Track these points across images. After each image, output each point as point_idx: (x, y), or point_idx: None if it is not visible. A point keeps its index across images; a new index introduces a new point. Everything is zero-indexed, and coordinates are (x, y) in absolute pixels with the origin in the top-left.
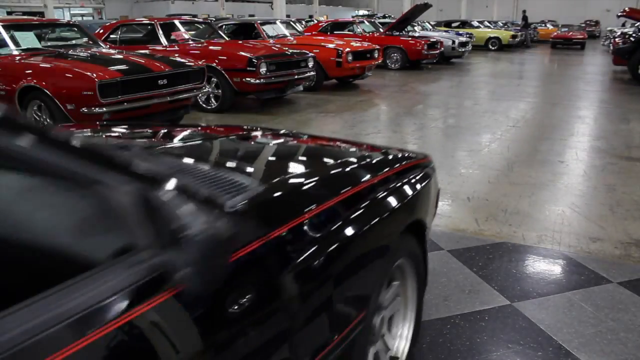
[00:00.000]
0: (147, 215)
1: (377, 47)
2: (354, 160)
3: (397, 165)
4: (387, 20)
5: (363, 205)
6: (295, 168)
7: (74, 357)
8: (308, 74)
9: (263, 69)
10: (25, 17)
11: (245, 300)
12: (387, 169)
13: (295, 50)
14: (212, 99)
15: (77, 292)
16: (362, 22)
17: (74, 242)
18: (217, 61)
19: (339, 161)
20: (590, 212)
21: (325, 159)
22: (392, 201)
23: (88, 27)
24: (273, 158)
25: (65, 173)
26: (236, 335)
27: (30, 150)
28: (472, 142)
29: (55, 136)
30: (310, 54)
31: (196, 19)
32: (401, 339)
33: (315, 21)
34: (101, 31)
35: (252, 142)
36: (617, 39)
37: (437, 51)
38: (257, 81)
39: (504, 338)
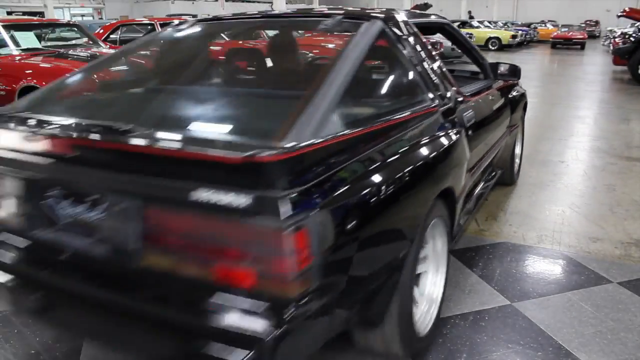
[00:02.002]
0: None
1: None
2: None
3: (514, 79)
4: None
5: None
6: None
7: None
8: None
9: None
10: (25, 17)
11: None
12: (507, 82)
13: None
14: None
15: (476, 82)
16: None
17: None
18: None
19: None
20: (590, 212)
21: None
22: (519, 92)
23: (88, 27)
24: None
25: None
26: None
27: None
28: None
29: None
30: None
31: None
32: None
33: None
34: (101, 31)
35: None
36: (617, 39)
37: (437, 51)
38: None
39: (504, 338)
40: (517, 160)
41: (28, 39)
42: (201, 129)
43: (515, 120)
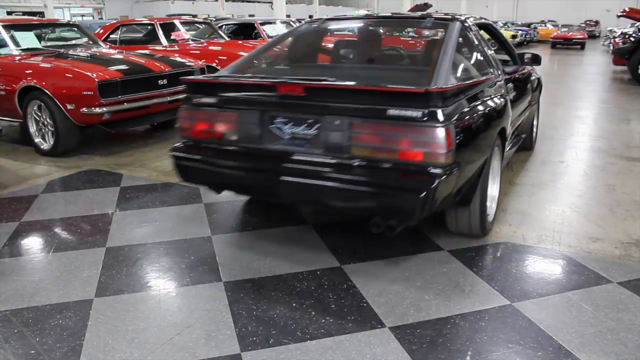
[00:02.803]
0: (525, 58)
1: None
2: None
3: (536, 64)
4: None
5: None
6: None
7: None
8: None
9: None
10: (25, 17)
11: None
12: (526, 68)
13: None
14: None
15: (509, 66)
16: None
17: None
18: (217, 61)
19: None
20: (590, 212)
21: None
22: (537, 76)
23: (88, 27)
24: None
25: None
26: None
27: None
28: None
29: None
30: None
31: (196, 19)
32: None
33: None
34: (101, 31)
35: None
36: (617, 39)
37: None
38: None
39: (504, 338)
40: (534, 130)
41: (28, 39)
42: (378, 81)
43: (535, 98)
